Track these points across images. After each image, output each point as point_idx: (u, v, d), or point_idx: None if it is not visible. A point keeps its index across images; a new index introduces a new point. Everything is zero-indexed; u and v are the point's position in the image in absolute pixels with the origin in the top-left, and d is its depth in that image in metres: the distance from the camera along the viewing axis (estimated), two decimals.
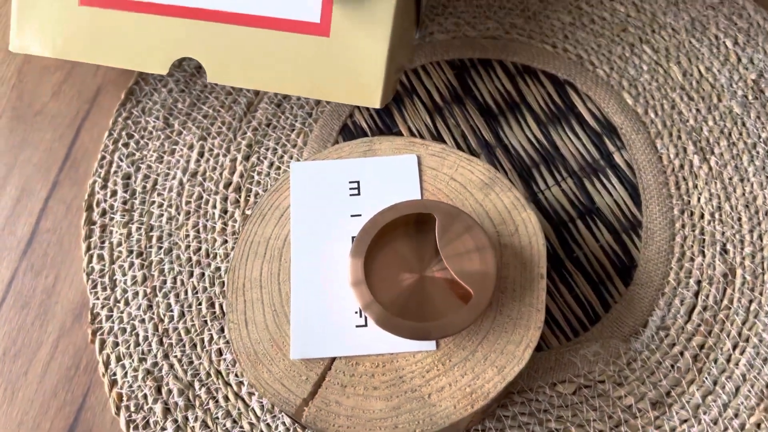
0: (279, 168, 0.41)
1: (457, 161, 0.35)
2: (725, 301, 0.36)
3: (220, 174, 0.40)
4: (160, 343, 0.36)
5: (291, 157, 0.41)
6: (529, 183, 0.40)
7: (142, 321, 0.37)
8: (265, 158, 0.41)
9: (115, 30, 0.37)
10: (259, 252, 0.34)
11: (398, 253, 0.32)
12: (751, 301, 0.36)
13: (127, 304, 0.37)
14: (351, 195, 0.34)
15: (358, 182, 0.35)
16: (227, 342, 0.36)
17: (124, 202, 0.40)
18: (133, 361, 0.36)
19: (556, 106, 0.42)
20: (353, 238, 0.34)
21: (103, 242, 0.39)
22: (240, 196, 0.40)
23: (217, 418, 0.35)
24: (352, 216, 0.34)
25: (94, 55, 0.37)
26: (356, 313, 0.32)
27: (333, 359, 0.31)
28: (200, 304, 0.37)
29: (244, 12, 0.36)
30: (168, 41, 0.37)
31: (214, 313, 0.37)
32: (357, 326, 0.32)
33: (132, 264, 0.38)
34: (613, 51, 0.43)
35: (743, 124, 0.40)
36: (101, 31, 0.37)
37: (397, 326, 0.29)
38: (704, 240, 0.38)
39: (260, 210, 0.35)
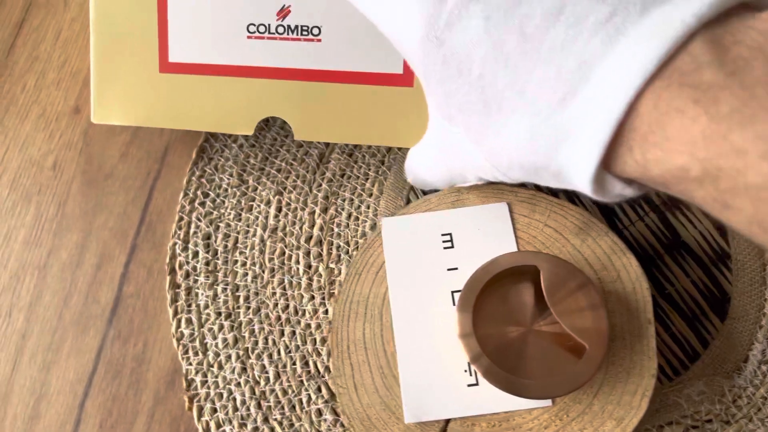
0: (357, 218, 0.40)
1: (549, 206, 0.35)
2: None
3: (300, 228, 0.40)
4: (258, 406, 0.36)
5: (368, 207, 0.41)
6: (611, 219, 0.39)
7: (238, 384, 0.36)
8: (343, 209, 0.41)
9: (197, 95, 0.37)
10: (359, 312, 0.34)
11: (503, 305, 0.32)
12: None
13: (220, 367, 0.37)
14: (445, 248, 0.34)
15: (450, 234, 0.34)
16: (326, 401, 0.36)
17: (207, 263, 0.40)
18: (233, 426, 0.35)
19: None
20: (452, 292, 0.33)
21: (189, 305, 0.39)
22: (322, 250, 0.40)
23: None
24: (448, 270, 0.34)
25: (178, 121, 0.37)
26: (465, 371, 0.32)
27: (448, 421, 0.31)
28: (294, 363, 0.37)
29: (328, 69, 0.36)
30: (252, 102, 0.37)
31: (309, 372, 0.36)
32: (469, 385, 0.31)
33: (221, 326, 0.38)
34: None
35: None
36: (184, 96, 0.37)
37: (515, 385, 0.29)
38: None
39: (356, 269, 0.35)
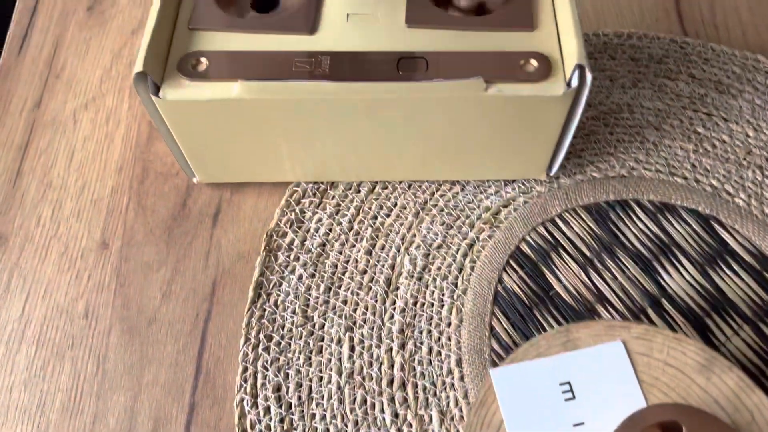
0: (440, 353, 0.37)
1: (665, 342, 0.33)
2: None
3: (379, 369, 0.37)
4: None
5: (449, 339, 0.38)
6: (706, 335, 0.38)
7: None
8: (422, 343, 0.38)
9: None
10: None
11: None
12: None
13: None
14: (566, 400, 0.31)
15: (569, 383, 0.32)
16: None
17: (281, 420, 0.36)
18: None
19: (706, 244, 0.40)
20: None
21: None
22: (407, 394, 0.36)
23: None
24: (574, 426, 0.31)
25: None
26: None
27: None
28: None
29: None
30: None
31: None
32: None
33: None
34: (744, 176, 0.42)
35: None
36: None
37: None
38: None
39: (472, 430, 0.31)
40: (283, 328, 0.38)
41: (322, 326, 0.38)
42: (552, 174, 0.42)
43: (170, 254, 0.41)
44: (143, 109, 0.46)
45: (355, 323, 0.38)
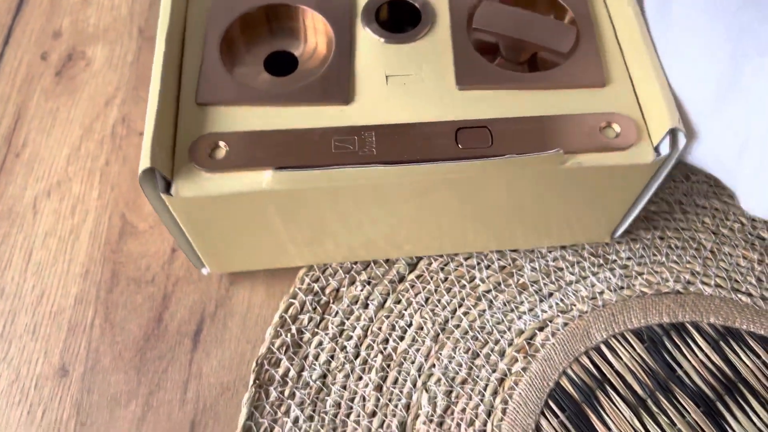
0: None
1: None
2: None
3: None
4: None
5: None
6: (718, 422, 0.32)
7: None
8: None
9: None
10: None
11: None
12: None
13: None
14: None
15: None
16: None
17: None
18: None
19: None
20: None
21: None
22: None
23: None
24: None
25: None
26: None
27: None
28: None
29: None
30: None
31: None
32: None
33: None
34: None
35: None
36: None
37: None
38: None
39: None
40: None
41: None
42: (616, 237, 0.37)
43: (141, 384, 0.34)
44: (116, 197, 0.40)
45: None
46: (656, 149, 0.29)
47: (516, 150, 0.29)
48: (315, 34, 0.34)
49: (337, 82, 0.30)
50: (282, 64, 0.33)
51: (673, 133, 0.29)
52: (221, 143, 0.28)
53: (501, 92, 0.31)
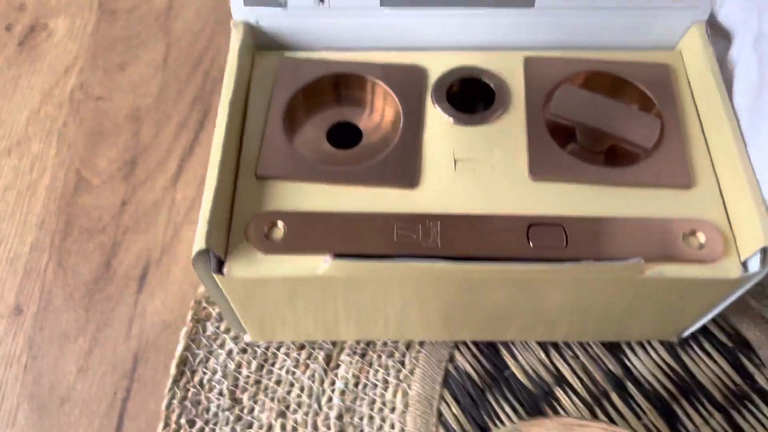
0: None
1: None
2: None
3: None
4: None
5: (392, 427, 0.34)
6: (673, 424, 0.34)
7: None
8: (362, 431, 0.34)
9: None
10: None
11: None
12: None
13: None
14: None
15: None
16: None
17: None
18: None
19: None
20: None
21: None
22: None
23: None
24: None
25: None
26: None
27: None
28: None
29: None
30: None
31: None
32: None
33: None
34: None
35: None
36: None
37: None
38: None
39: None
40: (207, 411, 0.34)
41: (252, 410, 0.34)
42: (683, 336, 0.36)
43: (90, 322, 0.37)
44: (72, 155, 0.43)
45: (288, 407, 0.35)
46: (744, 264, 0.27)
47: (592, 254, 0.26)
48: (382, 108, 0.32)
49: (403, 164, 0.29)
50: (345, 135, 0.32)
51: (764, 251, 0.26)
52: (280, 223, 0.27)
53: (577, 186, 0.29)
